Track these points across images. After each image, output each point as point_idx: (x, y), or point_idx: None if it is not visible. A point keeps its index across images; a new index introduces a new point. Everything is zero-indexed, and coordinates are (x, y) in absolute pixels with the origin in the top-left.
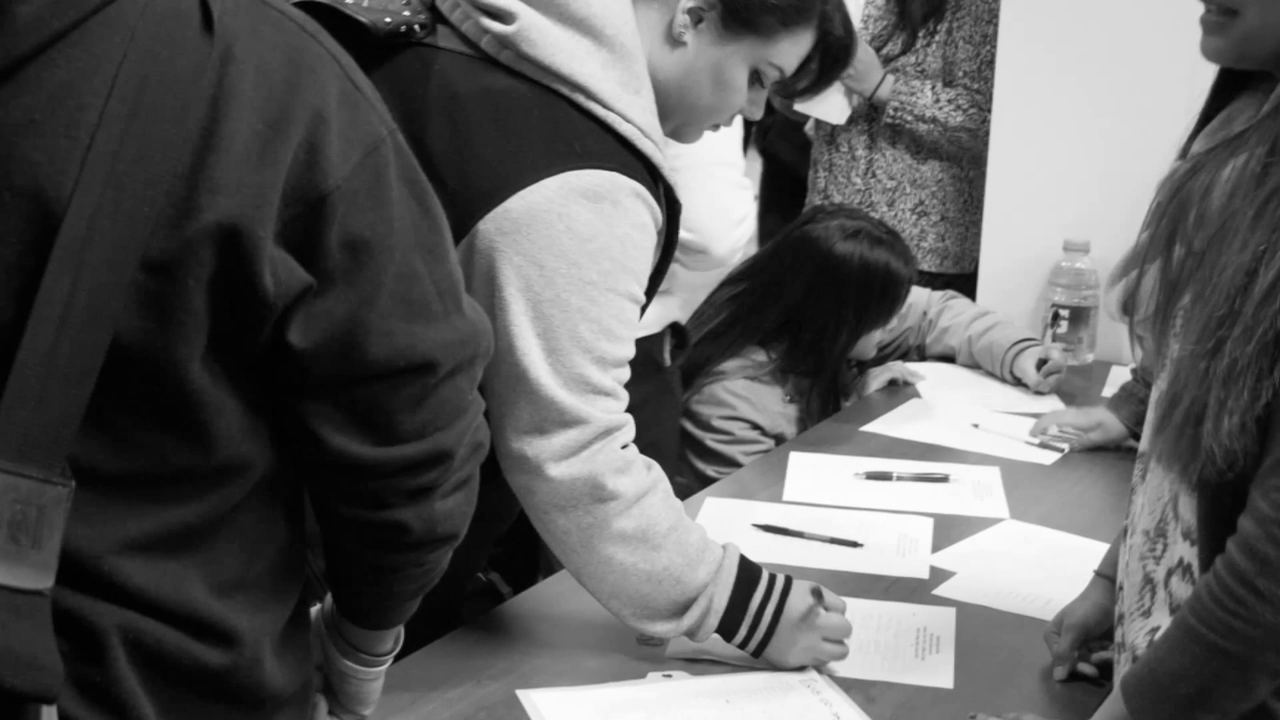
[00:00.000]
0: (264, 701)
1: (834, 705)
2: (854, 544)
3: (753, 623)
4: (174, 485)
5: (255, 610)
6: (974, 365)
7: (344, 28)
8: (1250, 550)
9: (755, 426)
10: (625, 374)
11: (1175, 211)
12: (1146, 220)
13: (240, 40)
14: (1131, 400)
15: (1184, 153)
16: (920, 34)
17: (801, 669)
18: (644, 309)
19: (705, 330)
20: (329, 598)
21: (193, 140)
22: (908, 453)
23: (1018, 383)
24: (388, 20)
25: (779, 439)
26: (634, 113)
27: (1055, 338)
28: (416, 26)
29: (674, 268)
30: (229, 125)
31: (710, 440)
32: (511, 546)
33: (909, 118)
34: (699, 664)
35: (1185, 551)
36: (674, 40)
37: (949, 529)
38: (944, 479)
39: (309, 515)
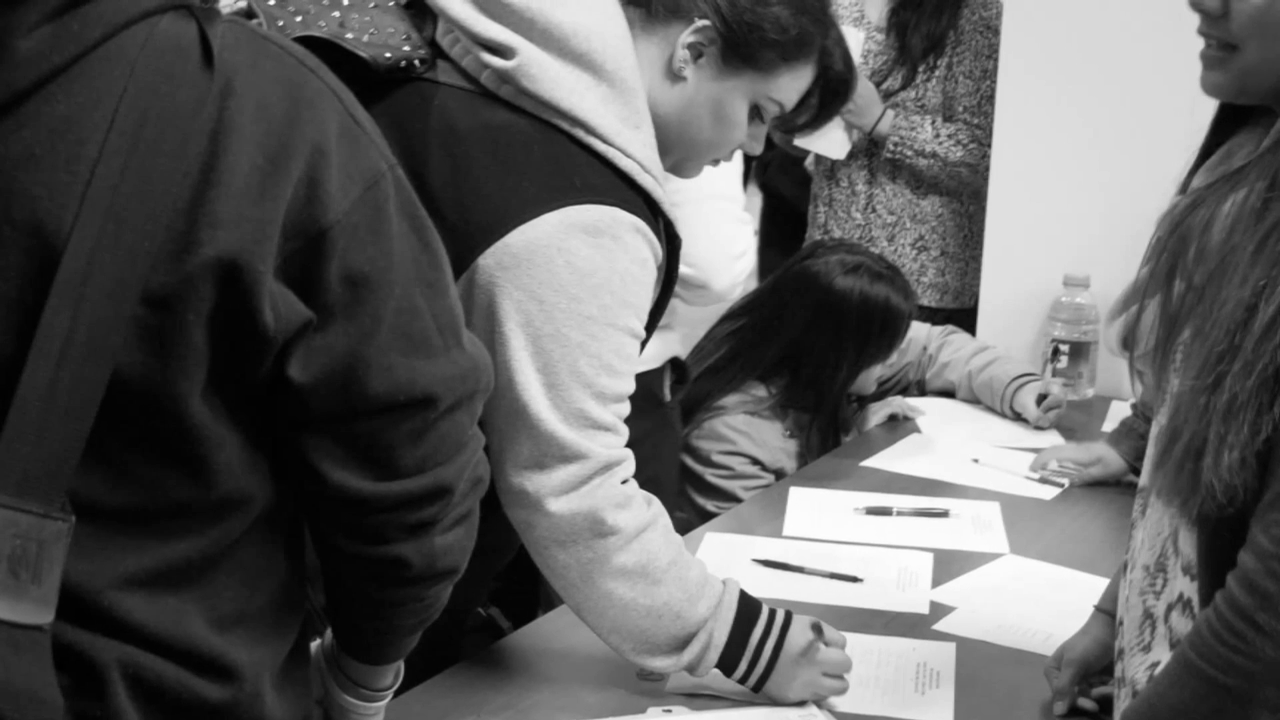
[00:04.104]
0: None
1: None
2: (854, 579)
3: (753, 658)
4: (174, 520)
5: (255, 645)
6: (974, 400)
7: (344, 63)
8: (1250, 585)
9: (755, 461)
10: (625, 409)
11: (1175, 246)
12: (1146, 255)
13: (240, 75)
14: (1131, 435)
15: (1184, 188)
16: (920, 69)
17: (801, 704)
18: (644, 344)
19: (705, 365)
20: (329, 632)
21: (193, 175)
22: (908, 488)
23: (1018, 418)
24: (388, 55)
25: (779, 474)
26: (634, 148)
27: (1055, 373)
28: (416, 61)
29: (674, 302)
30: (229, 159)
31: (710, 475)
32: (511, 581)
33: (909, 153)
34: (699, 699)
35: (1185, 586)
36: (674, 75)
37: (949, 564)
38: (944, 514)
39: (309, 549)
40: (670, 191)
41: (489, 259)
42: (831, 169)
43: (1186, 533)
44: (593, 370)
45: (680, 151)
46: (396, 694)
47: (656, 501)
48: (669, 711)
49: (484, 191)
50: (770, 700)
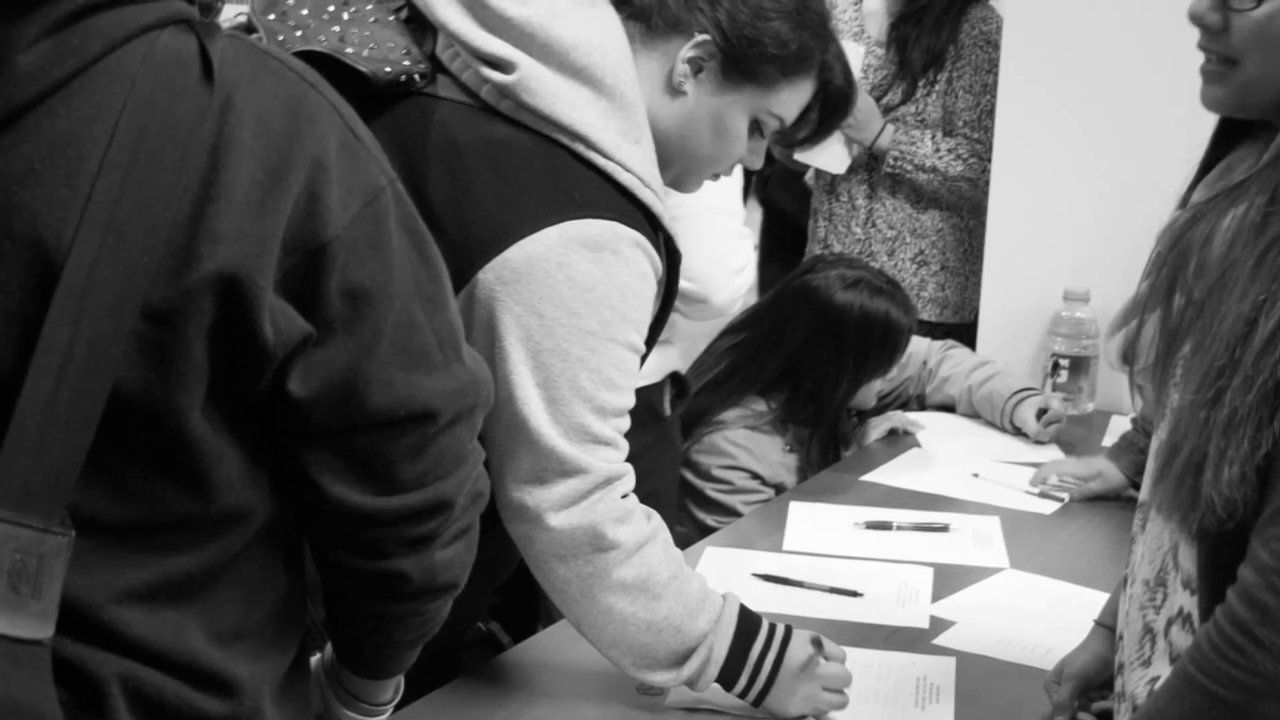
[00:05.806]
0: None
1: None
2: (854, 593)
3: (753, 672)
4: (174, 534)
5: (255, 659)
6: (974, 415)
7: (344, 77)
8: (1250, 599)
9: (755, 476)
10: (625, 423)
11: (1175, 261)
12: (1146, 269)
13: (240, 89)
14: (1131, 450)
15: (1184, 202)
16: (920, 84)
17: (801, 719)
18: (644, 358)
19: (705, 380)
20: (329, 647)
21: (193, 189)
22: (908, 502)
23: (1018, 432)
24: (388, 70)
25: (779, 488)
26: (634, 162)
27: (1055, 387)
28: (416, 76)
29: (674, 317)
30: (229, 174)
31: (710, 489)
32: (511, 596)
33: (909, 167)
34: (699, 713)
35: (1185, 601)
36: (674, 90)
37: (949, 578)
38: (944, 528)
39: (309, 564)
40: (670, 206)
41: (489, 273)
42: (831, 184)
43: (1186, 547)
44: (593, 385)
45: (680, 166)
46: (396, 708)
47: (656, 516)
48: None
49: (484, 206)
50: (770, 715)
